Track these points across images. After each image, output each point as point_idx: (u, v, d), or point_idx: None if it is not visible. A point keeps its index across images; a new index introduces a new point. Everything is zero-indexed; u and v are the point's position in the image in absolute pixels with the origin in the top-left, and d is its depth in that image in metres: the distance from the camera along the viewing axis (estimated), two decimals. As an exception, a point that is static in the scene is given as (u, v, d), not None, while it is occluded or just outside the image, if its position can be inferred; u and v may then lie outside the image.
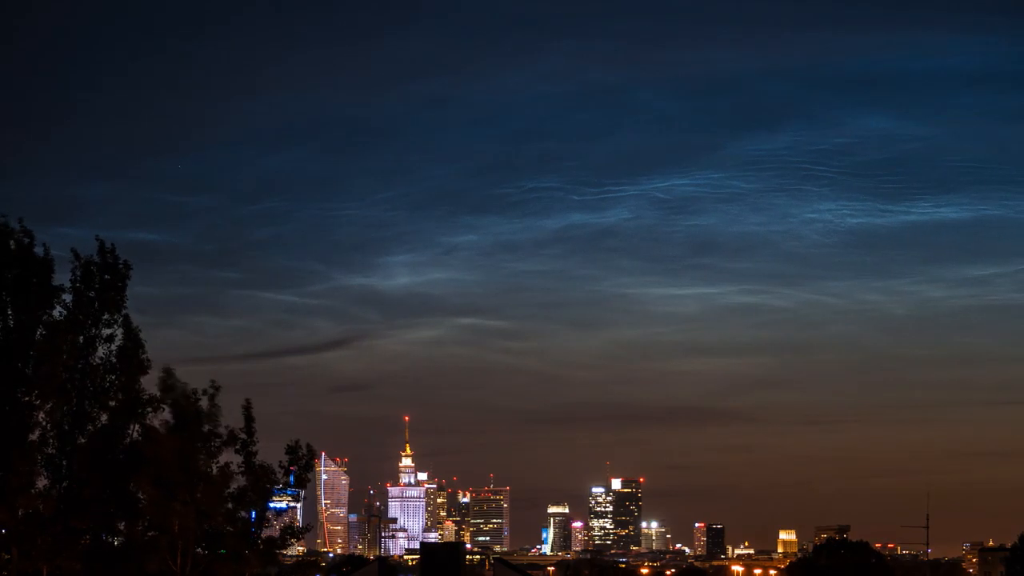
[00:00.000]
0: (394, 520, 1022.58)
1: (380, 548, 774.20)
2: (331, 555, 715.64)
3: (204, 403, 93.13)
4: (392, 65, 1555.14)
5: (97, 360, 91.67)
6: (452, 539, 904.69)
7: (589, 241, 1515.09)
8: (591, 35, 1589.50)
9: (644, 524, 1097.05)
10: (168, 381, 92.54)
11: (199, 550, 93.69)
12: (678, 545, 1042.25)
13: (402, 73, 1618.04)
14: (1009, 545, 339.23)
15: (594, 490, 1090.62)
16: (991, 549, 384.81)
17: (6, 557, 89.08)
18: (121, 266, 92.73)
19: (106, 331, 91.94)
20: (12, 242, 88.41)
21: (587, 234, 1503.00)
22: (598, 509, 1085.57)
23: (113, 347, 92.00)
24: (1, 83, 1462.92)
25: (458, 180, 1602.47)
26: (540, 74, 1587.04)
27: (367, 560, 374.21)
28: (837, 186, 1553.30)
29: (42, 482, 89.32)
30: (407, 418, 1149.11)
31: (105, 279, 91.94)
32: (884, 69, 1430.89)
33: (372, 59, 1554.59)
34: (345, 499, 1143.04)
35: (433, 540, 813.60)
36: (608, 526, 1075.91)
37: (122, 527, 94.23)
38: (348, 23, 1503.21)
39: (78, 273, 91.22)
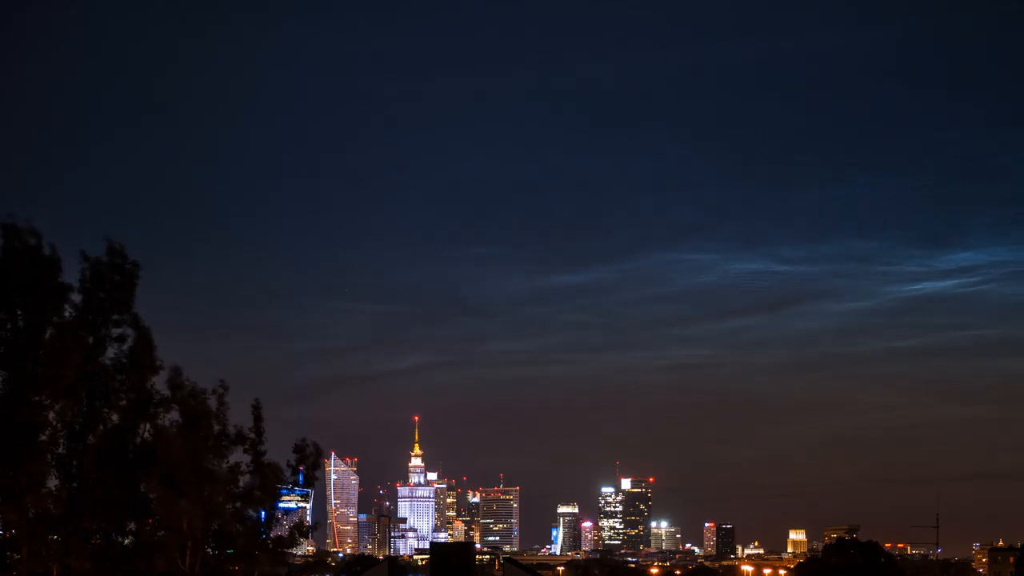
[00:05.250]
0: (404, 520, 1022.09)
1: (390, 548, 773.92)
2: (341, 555, 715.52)
3: (213, 402, 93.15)
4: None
5: (107, 360, 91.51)
6: (462, 539, 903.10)
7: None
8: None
9: (654, 524, 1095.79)
10: (176, 380, 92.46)
11: (208, 550, 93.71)
12: (688, 545, 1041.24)
13: None
14: (1020, 545, 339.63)
15: (604, 490, 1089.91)
16: (1001, 549, 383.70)
17: (16, 557, 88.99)
18: (130, 266, 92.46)
19: (116, 331, 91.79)
20: (19, 242, 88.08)
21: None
22: (608, 509, 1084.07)
23: (124, 347, 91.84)
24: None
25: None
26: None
27: (377, 560, 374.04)
28: None
29: (52, 482, 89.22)
30: (416, 417, 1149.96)
31: (115, 279, 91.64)
32: None
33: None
34: (355, 499, 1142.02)
35: (443, 540, 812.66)
36: (618, 526, 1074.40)
37: (132, 527, 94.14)
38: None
39: (87, 273, 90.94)
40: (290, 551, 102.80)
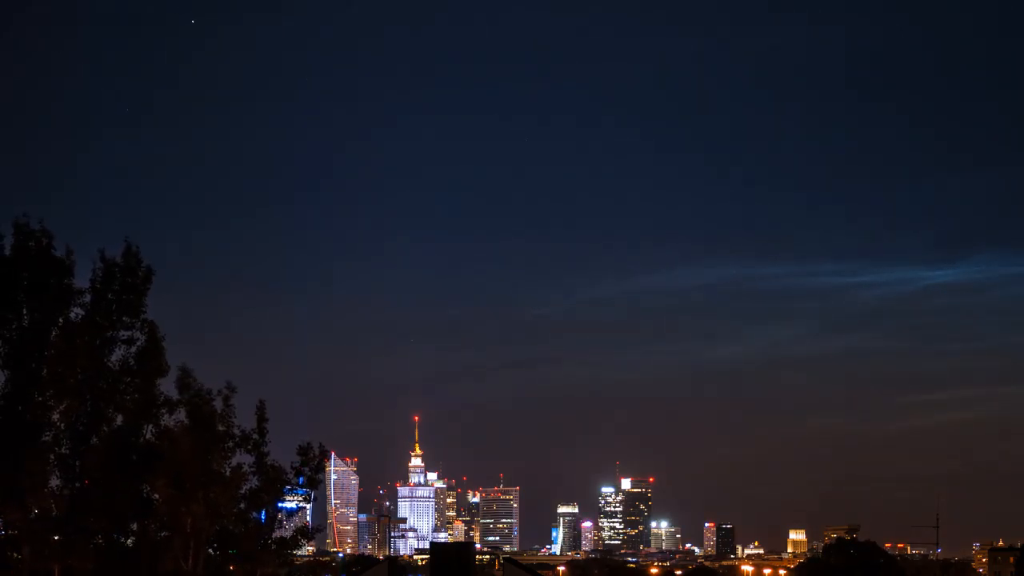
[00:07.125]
0: (404, 520, 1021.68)
1: (390, 548, 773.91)
2: (341, 555, 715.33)
3: (218, 404, 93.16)
4: None
5: (114, 362, 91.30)
6: (462, 539, 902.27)
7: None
8: None
9: (654, 524, 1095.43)
10: (185, 380, 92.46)
11: (211, 550, 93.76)
12: (688, 545, 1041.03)
13: None
14: (1020, 545, 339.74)
15: (604, 490, 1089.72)
16: (1001, 549, 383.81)
17: (18, 556, 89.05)
18: (143, 269, 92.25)
19: (124, 333, 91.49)
20: (31, 242, 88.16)
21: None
22: (608, 509, 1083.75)
23: (132, 350, 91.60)
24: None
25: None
26: None
27: (377, 560, 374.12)
28: None
29: (55, 482, 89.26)
30: (416, 417, 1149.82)
31: (126, 281, 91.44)
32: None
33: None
34: (355, 499, 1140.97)
35: (443, 540, 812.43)
36: (618, 526, 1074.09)
37: (135, 527, 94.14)
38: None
39: (99, 274, 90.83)
40: (293, 552, 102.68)
